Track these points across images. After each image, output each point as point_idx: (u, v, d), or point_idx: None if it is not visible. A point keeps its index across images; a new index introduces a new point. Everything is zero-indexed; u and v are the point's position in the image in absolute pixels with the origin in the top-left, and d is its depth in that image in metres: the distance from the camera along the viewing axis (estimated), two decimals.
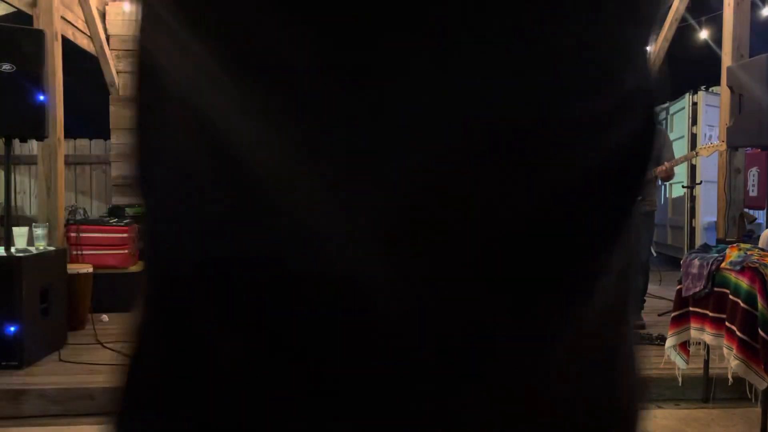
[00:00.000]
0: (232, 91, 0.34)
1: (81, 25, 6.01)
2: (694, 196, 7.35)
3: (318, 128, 0.33)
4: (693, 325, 3.17)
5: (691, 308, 3.21)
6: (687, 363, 3.31)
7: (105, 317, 4.94)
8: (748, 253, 2.92)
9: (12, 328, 3.60)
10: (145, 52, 0.43)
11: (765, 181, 6.27)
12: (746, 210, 5.33)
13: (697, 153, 4.52)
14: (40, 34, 3.84)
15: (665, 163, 4.44)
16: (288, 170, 0.34)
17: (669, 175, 4.47)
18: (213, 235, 0.37)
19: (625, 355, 0.42)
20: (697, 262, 3.17)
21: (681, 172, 7.18)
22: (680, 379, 3.32)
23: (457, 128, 0.33)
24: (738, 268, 2.85)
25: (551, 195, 0.35)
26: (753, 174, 6.45)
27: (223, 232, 0.36)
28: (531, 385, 0.37)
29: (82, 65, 6.64)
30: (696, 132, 7.50)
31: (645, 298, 4.76)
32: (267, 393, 0.36)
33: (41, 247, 4.09)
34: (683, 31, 6.90)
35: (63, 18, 5.36)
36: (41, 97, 3.77)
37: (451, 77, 0.32)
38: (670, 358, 3.33)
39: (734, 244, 3.15)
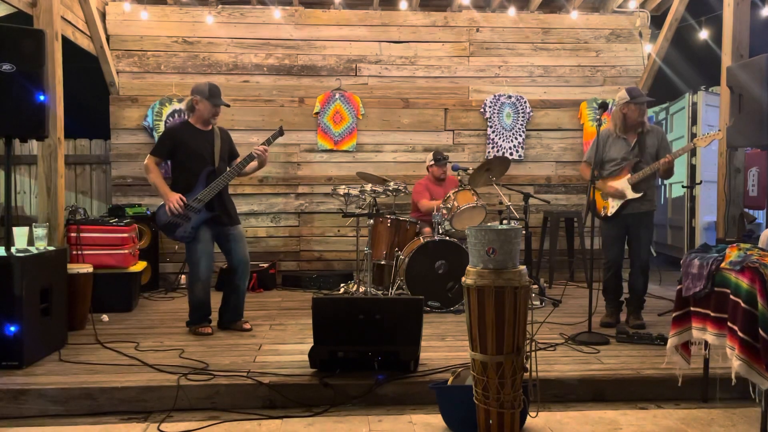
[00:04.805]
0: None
1: (81, 25, 6.01)
2: (694, 196, 7.35)
3: None
4: (694, 324, 3.17)
5: (692, 308, 3.20)
6: (689, 363, 3.31)
7: (105, 317, 4.95)
8: (748, 253, 2.91)
9: (12, 328, 3.60)
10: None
11: (765, 181, 6.27)
12: (746, 210, 5.33)
13: (694, 144, 4.51)
14: (40, 34, 3.84)
15: (668, 155, 4.43)
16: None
17: (670, 168, 4.47)
18: None
19: None
20: (697, 262, 3.17)
21: (681, 171, 7.18)
22: (680, 379, 3.32)
23: None
24: (738, 268, 2.85)
25: None
26: (753, 174, 6.45)
27: None
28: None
29: (82, 65, 6.65)
30: (696, 132, 7.50)
31: (645, 298, 4.76)
32: None
33: (41, 247, 4.09)
34: (683, 31, 6.90)
35: (63, 18, 5.36)
36: (41, 97, 3.77)
37: None
38: (671, 358, 3.33)
39: (734, 244, 3.15)
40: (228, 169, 4.50)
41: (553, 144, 7.04)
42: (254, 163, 4.58)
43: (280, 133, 4.63)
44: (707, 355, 3.34)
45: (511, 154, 6.89)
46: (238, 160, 4.59)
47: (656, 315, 5.07)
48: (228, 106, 4.69)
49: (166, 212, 4.34)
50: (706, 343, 3.21)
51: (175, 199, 4.31)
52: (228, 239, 4.56)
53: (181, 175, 4.47)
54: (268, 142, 4.56)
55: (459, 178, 5.77)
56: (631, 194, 4.55)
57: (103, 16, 6.55)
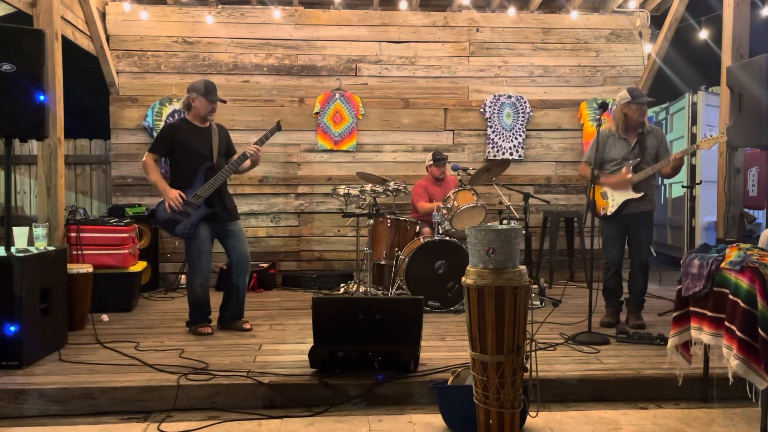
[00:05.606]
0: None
1: (81, 25, 6.01)
2: (694, 196, 7.35)
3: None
4: (693, 324, 3.17)
5: (691, 308, 3.21)
6: (690, 363, 3.31)
7: (105, 317, 4.95)
8: (748, 252, 2.92)
9: (12, 328, 3.60)
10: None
11: (765, 181, 6.27)
12: (746, 210, 5.33)
13: (698, 146, 4.50)
14: (40, 34, 3.84)
15: (675, 155, 4.42)
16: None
17: (678, 166, 4.46)
18: None
19: None
20: (697, 262, 3.17)
21: (681, 171, 7.16)
22: (680, 379, 3.32)
23: None
24: (738, 267, 2.85)
25: None
26: (753, 174, 6.45)
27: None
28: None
29: (82, 65, 6.64)
30: (696, 132, 7.50)
31: (645, 297, 4.75)
32: None
33: (41, 247, 4.09)
34: (683, 31, 6.89)
35: (63, 18, 5.36)
36: (41, 97, 3.77)
37: None
38: (672, 358, 3.33)
39: (734, 244, 3.15)
40: (225, 166, 4.51)
41: (553, 144, 7.04)
42: (248, 162, 4.59)
43: (278, 128, 4.62)
44: (707, 356, 3.34)
45: (511, 154, 6.89)
46: (234, 158, 4.61)
47: (656, 315, 5.07)
48: (224, 102, 4.69)
49: (165, 209, 4.35)
50: (704, 343, 3.21)
51: (174, 196, 4.32)
52: (228, 236, 4.56)
53: (180, 171, 4.48)
54: (266, 138, 4.56)
55: (459, 178, 5.77)
56: (631, 194, 4.55)
57: (103, 16, 6.55)
